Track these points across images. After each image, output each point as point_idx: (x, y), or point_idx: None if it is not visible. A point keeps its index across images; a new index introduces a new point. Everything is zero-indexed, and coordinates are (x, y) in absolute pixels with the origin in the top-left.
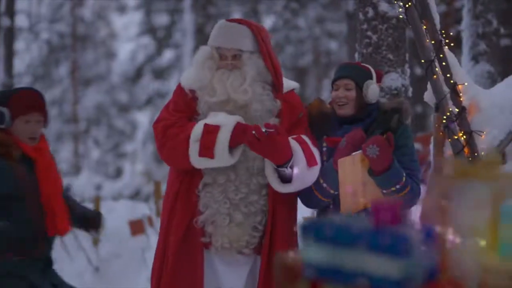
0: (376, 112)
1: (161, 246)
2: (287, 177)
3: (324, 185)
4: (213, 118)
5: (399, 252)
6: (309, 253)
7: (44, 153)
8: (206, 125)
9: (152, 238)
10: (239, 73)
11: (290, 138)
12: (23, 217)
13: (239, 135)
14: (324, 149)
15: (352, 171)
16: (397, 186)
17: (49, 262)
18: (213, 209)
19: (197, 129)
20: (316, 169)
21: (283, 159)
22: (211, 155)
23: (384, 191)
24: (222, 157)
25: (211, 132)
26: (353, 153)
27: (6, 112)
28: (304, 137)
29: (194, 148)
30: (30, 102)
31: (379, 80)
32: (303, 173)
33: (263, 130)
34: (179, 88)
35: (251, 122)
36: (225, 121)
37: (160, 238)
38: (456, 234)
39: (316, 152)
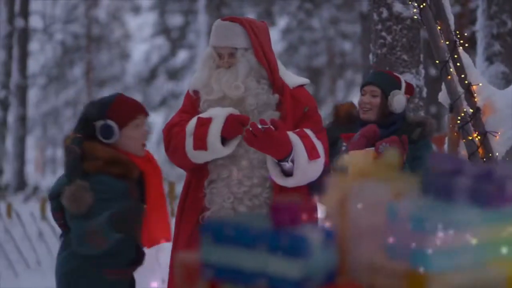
0: (401, 122)
1: (173, 245)
2: (289, 171)
3: None
4: (207, 112)
5: (298, 253)
6: (208, 253)
7: (154, 167)
8: (199, 118)
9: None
10: (232, 70)
11: (290, 132)
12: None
13: (232, 125)
14: (344, 148)
15: (357, 161)
16: None
17: (133, 281)
18: (218, 205)
19: (191, 123)
20: (319, 162)
21: (282, 154)
22: (204, 147)
23: None
24: (215, 148)
25: (203, 124)
26: (367, 149)
27: (113, 124)
28: (307, 130)
29: (189, 142)
30: (132, 105)
31: (409, 92)
32: (304, 166)
33: (259, 126)
34: (187, 91)
35: (248, 116)
36: (217, 113)
37: (173, 238)
38: (355, 234)
39: (318, 145)
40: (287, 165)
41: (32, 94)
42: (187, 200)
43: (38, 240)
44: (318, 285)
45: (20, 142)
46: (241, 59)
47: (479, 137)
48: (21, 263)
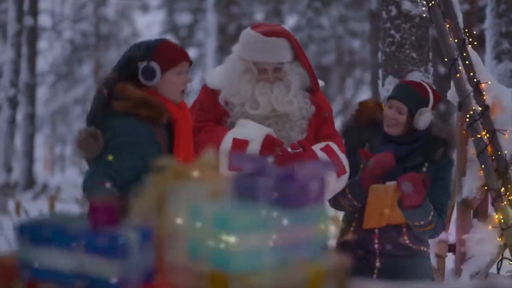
0: (424, 138)
1: None
2: None
3: (349, 196)
4: (242, 130)
5: (115, 253)
6: (25, 253)
7: (186, 115)
8: (234, 139)
9: None
10: (282, 84)
11: (318, 150)
12: None
13: (269, 148)
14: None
15: (382, 197)
16: (422, 222)
17: None
18: None
19: (226, 142)
20: (345, 177)
21: None
22: (240, 170)
23: (409, 222)
24: None
25: (239, 146)
26: (388, 183)
27: (156, 67)
28: (331, 144)
29: (223, 161)
30: (178, 51)
31: (437, 101)
32: (332, 184)
33: (290, 150)
34: (205, 89)
35: (286, 127)
36: (254, 135)
37: None
38: (170, 234)
39: (344, 159)
40: None
41: (41, 93)
42: None
43: None
44: (136, 285)
45: (29, 140)
46: (290, 73)
47: (487, 135)
48: None
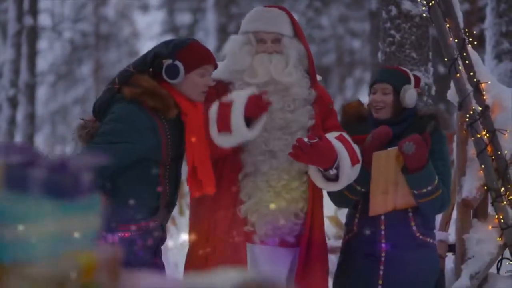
0: (412, 117)
1: (202, 242)
2: (331, 176)
3: (353, 182)
4: (227, 97)
5: None
6: None
7: (199, 113)
8: (220, 102)
9: (175, 237)
10: (281, 56)
11: (333, 138)
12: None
13: (254, 104)
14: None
15: (385, 167)
16: (429, 188)
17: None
18: (256, 198)
19: (213, 108)
20: (359, 166)
21: (329, 164)
22: (228, 129)
23: (416, 192)
24: (239, 129)
25: (225, 106)
26: (389, 148)
27: (180, 66)
28: (345, 135)
29: (213, 127)
30: (204, 53)
31: (417, 84)
32: (348, 172)
33: (306, 140)
34: None
35: (288, 107)
36: (238, 95)
37: (199, 234)
38: None
39: (357, 149)
40: (332, 172)
41: (41, 92)
42: (221, 194)
43: None
44: None
45: (29, 140)
46: (289, 46)
47: (487, 135)
48: None
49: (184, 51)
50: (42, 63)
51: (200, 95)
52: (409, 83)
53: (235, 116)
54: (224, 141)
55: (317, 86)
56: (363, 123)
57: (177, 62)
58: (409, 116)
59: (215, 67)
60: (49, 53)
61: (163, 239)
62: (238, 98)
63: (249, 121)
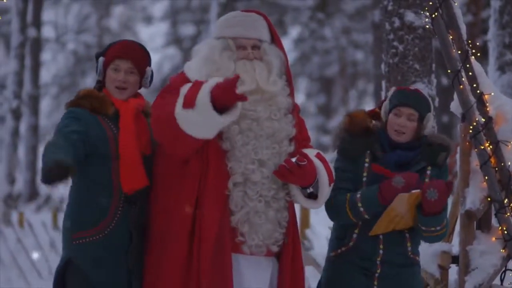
0: (422, 143)
1: (184, 252)
2: (306, 193)
3: (361, 208)
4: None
5: None
6: None
7: (131, 105)
8: (194, 81)
9: None
10: (262, 64)
11: (313, 156)
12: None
13: (224, 88)
14: (366, 165)
15: (401, 207)
16: (437, 227)
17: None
18: (248, 208)
19: (185, 86)
20: (332, 185)
21: (308, 183)
22: (192, 104)
23: (423, 228)
24: (203, 105)
25: (196, 84)
26: (412, 191)
27: (100, 61)
28: (322, 153)
29: (179, 101)
30: (120, 49)
31: None
32: (327, 192)
33: (294, 162)
34: (183, 77)
35: (275, 116)
36: (212, 79)
37: (179, 244)
38: None
39: (332, 167)
40: (309, 190)
41: (44, 104)
42: (205, 203)
43: (50, 249)
44: None
45: (32, 152)
46: (269, 52)
47: (491, 147)
48: (33, 273)
49: (110, 48)
50: (45, 75)
51: (114, 90)
52: (431, 110)
53: (202, 91)
54: (187, 119)
55: (293, 94)
56: (369, 137)
57: (100, 59)
58: (422, 142)
59: (138, 66)
60: (52, 64)
61: (132, 240)
62: (212, 80)
63: (223, 106)
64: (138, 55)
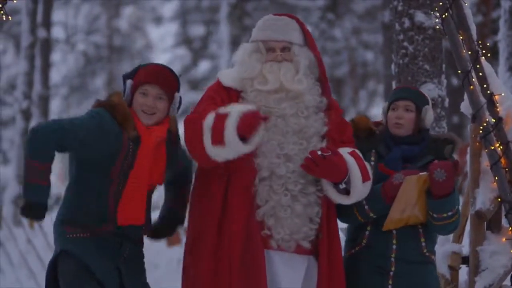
0: (427, 139)
1: (210, 248)
2: (340, 190)
3: (366, 207)
4: (225, 108)
5: None
6: None
7: (153, 136)
8: (217, 113)
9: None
10: (290, 65)
11: (346, 154)
12: (105, 189)
13: (249, 121)
14: (372, 163)
15: (411, 190)
16: (449, 213)
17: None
18: (273, 202)
19: (209, 118)
20: (369, 184)
21: (339, 178)
22: (222, 142)
23: (435, 215)
24: (234, 143)
25: (221, 118)
26: (420, 174)
27: (128, 84)
28: (358, 152)
29: (207, 137)
30: (150, 74)
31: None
32: (359, 188)
33: (319, 153)
34: (217, 85)
35: (302, 114)
36: (235, 109)
37: (207, 240)
38: None
39: (368, 167)
40: (341, 186)
41: (54, 105)
42: (233, 198)
43: None
44: None
45: None
46: (299, 54)
47: (501, 147)
48: (43, 274)
49: (139, 71)
50: (55, 76)
51: (141, 114)
52: (428, 103)
53: (229, 129)
54: (217, 154)
55: (328, 94)
56: (372, 138)
57: (128, 81)
58: (425, 137)
59: (169, 92)
60: (62, 65)
61: (123, 245)
62: (234, 111)
63: (246, 136)
64: (168, 81)
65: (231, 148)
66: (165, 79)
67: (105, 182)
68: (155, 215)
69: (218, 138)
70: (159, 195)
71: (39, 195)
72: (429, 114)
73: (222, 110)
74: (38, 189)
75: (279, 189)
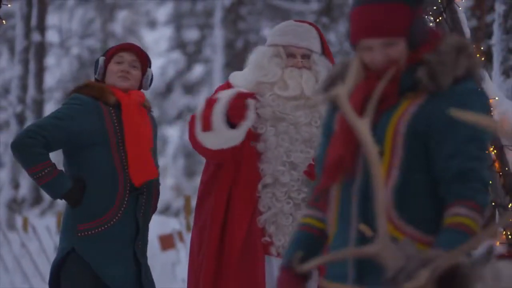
0: None
1: (213, 250)
2: None
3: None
4: (215, 95)
5: None
6: None
7: (132, 98)
8: (207, 99)
9: (182, 253)
10: (310, 72)
11: None
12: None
13: (237, 102)
14: None
15: None
16: None
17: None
18: (276, 209)
19: (201, 106)
20: None
21: None
22: (210, 127)
23: None
24: (220, 127)
25: (209, 104)
26: None
27: (101, 60)
28: None
29: (198, 124)
30: (124, 44)
31: None
32: None
33: None
34: (226, 86)
35: (315, 123)
36: (226, 94)
37: (210, 243)
38: None
39: None
40: None
41: (49, 109)
42: (236, 203)
43: (54, 254)
44: None
45: None
46: (318, 63)
47: (495, 151)
48: (37, 277)
49: (111, 48)
50: (49, 80)
51: (116, 80)
52: None
53: (216, 113)
54: (207, 140)
55: None
56: None
57: (101, 58)
58: None
59: (141, 59)
60: (56, 69)
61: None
62: (223, 96)
63: (234, 122)
64: (141, 51)
65: (218, 133)
66: (138, 49)
67: (107, 159)
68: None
69: (206, 123)
70: None
71: (59, 187)
72: None
73: (214, 96)
74: (55, 184)
75: (282, 196)
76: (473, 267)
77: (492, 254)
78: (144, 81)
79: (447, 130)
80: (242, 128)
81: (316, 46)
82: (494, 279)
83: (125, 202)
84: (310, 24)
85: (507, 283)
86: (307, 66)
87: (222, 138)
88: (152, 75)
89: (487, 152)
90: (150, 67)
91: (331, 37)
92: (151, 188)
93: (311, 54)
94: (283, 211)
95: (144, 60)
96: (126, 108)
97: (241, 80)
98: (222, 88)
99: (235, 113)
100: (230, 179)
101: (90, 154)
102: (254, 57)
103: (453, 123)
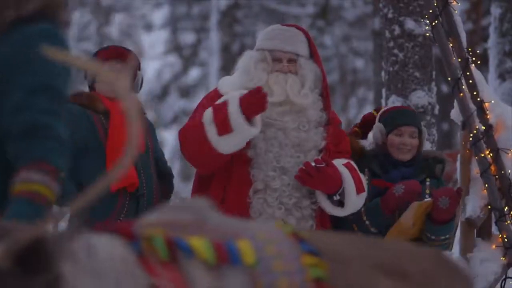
0: (420, 158)
1: None
2: (333, 201)
3: (367, 222)
4: (220, 99)
5: None
6: None
7: (120, 106)
8: (213, 105)
9: None
10: (296, 77)
11: (340, 165)
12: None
13: (250, 99)
14: (366, 182)
15: (414, 216)
16: (445, 237)
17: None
18: (267, 215)
19: (207, 113)
20: (363, 195)
21: (333, 190)
22: (229, 129)
23: (433, 237)
24: (241, 126)
25: (220, 108)
26: (425, 200)
27: None
28: (352, 163)
29: (211, 130)
30: (112, 51)
31: None
32: (353, 201)
33: (313, 165)
34: (214, 93)
35: (303, 128)
36: (230, 95)
37: None
38: None
39: (363, 178)
40: (336, 198)
41: None
42: (226, 208)
43: None
44: None
45: None
46: (304, 67)
47: (491, 154)
48: None
49: (99, 53)
50: None
51: (106, 87)
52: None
53: (232, 113)
54: (227, 144)
55: (329, 109)
56: (364, 159)
57: None
58: (419, 157)
59: (123, 61)
60: None
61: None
62: (231, 98)
63: (248, 121)
64: (129, 56)
65: (240, 133)
66: (126, 55)
67: (104, 166)
68: None
69: (224, 126)
70: None
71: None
72: (426, 137)
73: (217, 102)
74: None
75: (273, 202)
76: (60, 241)
77: (80, 228)
78: (134, 85)
79: (9, 79)
80: (257, 123)
81: (303, 50)
82: (88, 255)
83: (126, 206)
84: (298, 28)
85: (103, 258)
86: (293, 71)
87: (242, 137)
88: (142, 78)
89: (62, 103)
90: (139, 69)
91: (327, 40)
92: (152, 190)
93: (297, 59)
94: (274, 217)
95: (134, 64)
96: (113, 116)
97: (229, 85)
98: (208, 95)
99: (250, 109)
100: (222, 184)
101: (85, 161)
102: (242, 61)
103: (18, 70)
